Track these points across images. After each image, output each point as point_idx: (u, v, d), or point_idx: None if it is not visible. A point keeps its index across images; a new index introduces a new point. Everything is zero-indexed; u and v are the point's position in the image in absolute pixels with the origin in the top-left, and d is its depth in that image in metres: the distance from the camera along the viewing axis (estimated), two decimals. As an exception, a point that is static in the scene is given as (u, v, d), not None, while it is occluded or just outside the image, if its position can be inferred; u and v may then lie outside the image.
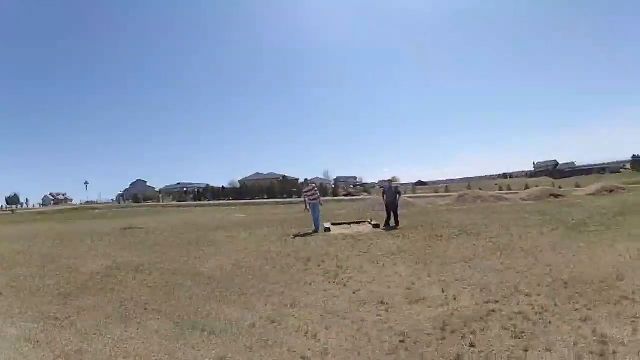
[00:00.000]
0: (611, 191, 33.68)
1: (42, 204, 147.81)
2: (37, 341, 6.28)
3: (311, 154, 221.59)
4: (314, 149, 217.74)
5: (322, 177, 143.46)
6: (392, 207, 18.51)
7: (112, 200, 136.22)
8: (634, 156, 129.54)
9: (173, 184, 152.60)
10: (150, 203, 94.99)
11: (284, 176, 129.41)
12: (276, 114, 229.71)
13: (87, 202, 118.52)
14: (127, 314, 7.41)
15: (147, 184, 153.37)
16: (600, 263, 9.10)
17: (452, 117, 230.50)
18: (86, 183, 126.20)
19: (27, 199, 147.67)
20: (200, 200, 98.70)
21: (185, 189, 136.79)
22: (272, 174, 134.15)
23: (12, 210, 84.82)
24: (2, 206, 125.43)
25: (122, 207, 77.92)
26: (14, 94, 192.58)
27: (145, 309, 7.63)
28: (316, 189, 19.57)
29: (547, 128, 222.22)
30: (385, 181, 20.88)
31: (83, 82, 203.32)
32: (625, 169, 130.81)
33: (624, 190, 34.63)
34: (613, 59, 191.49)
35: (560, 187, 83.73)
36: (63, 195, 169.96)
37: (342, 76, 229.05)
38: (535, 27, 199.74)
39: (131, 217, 43.93)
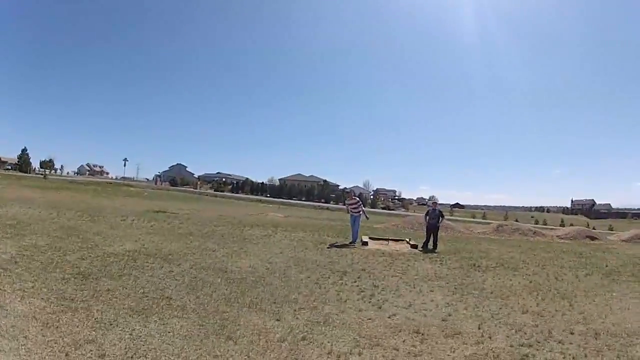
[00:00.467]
0: None
1: (77, 173, 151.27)
2: (47, 323, 5.87)
3: (354, 162, 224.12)
4: (357, 158, 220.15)
5: (362, 186, 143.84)
6: (433, 229, 18.23)
7: (146, 179, 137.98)
8: None
9: (213, 172, 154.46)
10: (187, 188, 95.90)
11: (325, 181, 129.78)
12: (324, 119, 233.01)
13: (123, 178, 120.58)
14: (148, 306, 6.98)
15: (187, 169, 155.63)
16: (630, 316, 8.74)
17: (493, 144, 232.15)
18: (125, 160, 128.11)
19: (62, 166, 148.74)
20: (237, 193, 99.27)
21: (224, 179, 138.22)
22: (313, 176, 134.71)
23: (45, 175, 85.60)
24: (35, 168, 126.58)
25: (158, 189, 78.75)
26: (74, 65, 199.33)
27: (169, 304, 7.18)
28: (360, 202, 19.21)
29: (589, 167, 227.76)
30: (431, 203, 20.38)
31: (139, 65, 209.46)
32: None
33: None
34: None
35: (594, 229, 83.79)
36: (100, 167, 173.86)
37: (387, 94, 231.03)
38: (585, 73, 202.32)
39: (166, 200, 44.31)
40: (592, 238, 31.19)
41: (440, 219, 18.71)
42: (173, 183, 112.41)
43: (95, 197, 38.50)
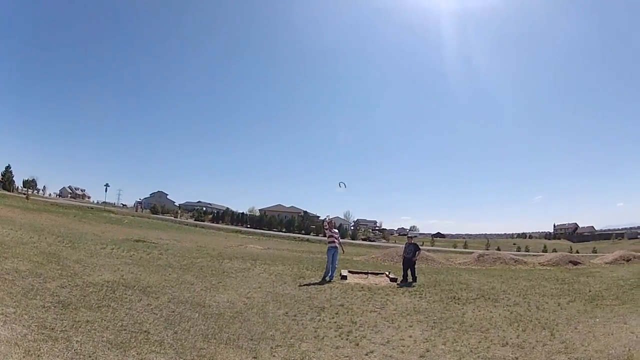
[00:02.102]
0: (628, 260, 33.45)
1: (59, 195, 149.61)
2: (29, 351, 5.90)
3: (334, 193, 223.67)
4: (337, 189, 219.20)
5: (342, 217, 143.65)
6: (409, 264, 18.32)
7: (122, 204, 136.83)
8: None
9: (193, 201, 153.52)
10: (167, 216, 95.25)
11: (305, 212, 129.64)
12: (304, 150, 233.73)
13: (104, 203, 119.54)
14: (126, 340, 7.02)
15: (168, 196, 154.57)
16: (613, 342, 8.76)
17: (475, 171, 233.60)
18: (107, 185, 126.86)
19: (44, 186, 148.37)
20: (218, 223, 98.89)
21: (204, 209, 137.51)
22: (294, 207, 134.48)
23: (27, 195, 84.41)
24: (18, 187, 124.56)
25: (139, 216, 78.16)
26: (62, 84, 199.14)
27: (147, 339, 7.22)
28: (338, 233, 18.85)
29: (570, 191, 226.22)
30: (407, 238, 20.57)
31: (124, 90, 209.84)
32: None
33: None
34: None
35: (577, 252, 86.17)
36: (82, 190, 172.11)
37: (370, 121, 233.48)
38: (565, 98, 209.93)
39: (146, 228, 44.11)
40: (575, 263, 31.37)
41: (416, 252, 18.82)
42: (154, 211, 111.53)
43: (76, 222, 38.17)
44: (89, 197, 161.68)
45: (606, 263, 33.15)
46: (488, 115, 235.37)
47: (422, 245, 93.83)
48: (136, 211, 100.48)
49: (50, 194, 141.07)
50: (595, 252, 78.93)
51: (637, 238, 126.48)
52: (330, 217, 20.49)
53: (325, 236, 19.21)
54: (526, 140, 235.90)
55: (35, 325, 7.02)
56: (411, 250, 18.65)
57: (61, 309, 8.21)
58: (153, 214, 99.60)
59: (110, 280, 11.75)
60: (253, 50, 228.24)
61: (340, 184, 24.24)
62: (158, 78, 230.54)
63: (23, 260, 12.36)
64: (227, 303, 10.73)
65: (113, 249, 19.51)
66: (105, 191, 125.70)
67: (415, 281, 17.76)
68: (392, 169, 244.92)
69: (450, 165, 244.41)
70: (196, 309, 9.64)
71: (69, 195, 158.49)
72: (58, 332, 6.92)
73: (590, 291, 16.48)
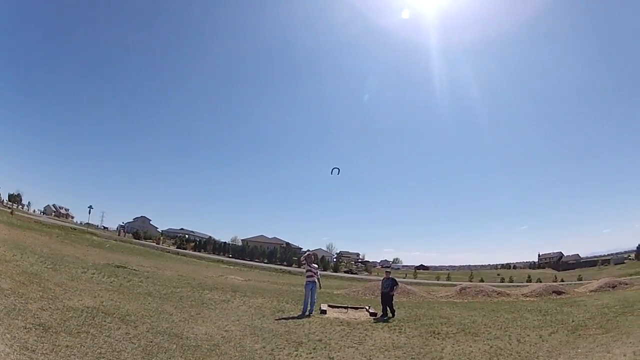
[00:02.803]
0: (614, 287, 33.43)
1: (43, 212, 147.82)
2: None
3: (316, 225, 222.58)
4: (320, 221, 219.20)
5: (325, 249, 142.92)
6: (386, 298, 18.28)
7: (104, 227, 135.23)
8: (639, 246, 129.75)
9: (176, 228, 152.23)
10: (149, 242, 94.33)
11: (287, 243, 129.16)
12: (289, 181, 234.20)
13: (87, 224, 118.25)
14: (104, 369, 7.10)
15: (151, 222, 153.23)
16: None
17: (458, 203, 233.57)
18: (90, 207, 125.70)
19: (29, 202, 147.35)
20: (200, 251, 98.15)
21: (187, 236, 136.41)
22: (276, 238, 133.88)
23: (12, 211, 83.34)
24: (4, 201, 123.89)
25: (121, 240, 77.31)
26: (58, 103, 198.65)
27: (124, 369, 7.30)
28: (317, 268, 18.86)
29: (555, 220, 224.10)
30: (387, 270, 20.60)
31: (111, 114, 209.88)
32: (630, 259, 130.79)
33: (627, 285, 34.29)
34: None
35: (562, 280, 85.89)
36: (66, 210, 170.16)
37: (354, 154, 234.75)
38: (546, 128, 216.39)
39: (127, 254, 43.68)
40: (559, 292, 31.25)
41: (394, 287, 18.78)
42: (136, 236, 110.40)
43: (59, 242, 37.78)
44: (72, 217, 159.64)
45: (591, 291, 32.97)
46: (472, 147, 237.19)
47: (404, 278, 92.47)
48: (119, 235, 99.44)
49: (34, 211, 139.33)
50: (581, 280, 79.04)
51: (624, 263, 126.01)
52: (309, 252, 20.17)
53: (304, 266, 19.16)
54: (510, 170, 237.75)
55: (18, 346, 7.06)
56: (389, 284, 18.62)
57: (42, 332, 8.23)
58: (135, 239, 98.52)
59: (90, 306, 11.71)
60: (240, 84, 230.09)
61: (334, 170, 24.26)
62: (146, 107, 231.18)
63: (5, 279, 12.36)
64: (205, 335, 10.66)
65: (94, 273, 19.40)
66: (89, 213, 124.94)
67: (394, 316, 17.57)
68: (375, 201, 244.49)
69: (433, 197, 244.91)
70: (174, 340, 9.61)
71: (53, 213, 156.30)
72: (39, 354, 6.96)
73: (573, 321, 16.43)
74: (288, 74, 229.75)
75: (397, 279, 19.78)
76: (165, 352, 8.56)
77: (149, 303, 14.28)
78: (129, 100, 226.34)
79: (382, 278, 20.59)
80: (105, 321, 10.27)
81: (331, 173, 25.39)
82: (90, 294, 13.60)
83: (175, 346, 9.15)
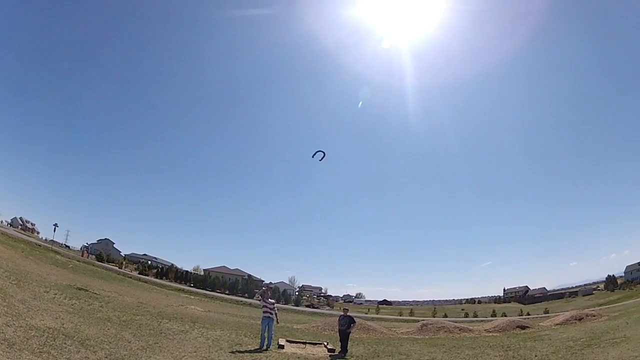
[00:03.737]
0: (581, 319, 32.94)
1: (10, 224, 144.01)
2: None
3: (279, 258, 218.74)
4: (283, 253, 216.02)
5: (287, 282, 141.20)
6: (343, 335, 17.94)
7: (66, 245, 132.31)
8: (608, 277, 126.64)
9: (139, 253, 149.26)
10: (111, 266, 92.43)
11: (249, 275, 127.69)
12: (252, 213, 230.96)
13: (52, 242, 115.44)
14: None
15: (114, 245, 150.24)
16: None
17: (421, 238, 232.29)
18: (55, 225, 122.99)
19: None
20: (162, 279, 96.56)
21: (149, 262, 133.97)
22: (238, 270, 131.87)
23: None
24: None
25: (84, 262, 75.68)
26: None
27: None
28: (274, 303, 18.24)
29: (521, 255, 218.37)
30: (344, 308, 20.53)
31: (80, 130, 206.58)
32: (599, 290, 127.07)
33: (594, 316, 33.69)
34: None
35: (528, 314, 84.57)
36: (32, 224, 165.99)
37: (312, 188, 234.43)
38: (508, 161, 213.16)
39: (89, 276, 42.93)
40: (523, 327, 30.77)
41: (351, 325, 18.27)
42: (99, 258, 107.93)
43: (23, 258, 36.98)
44: (38, 233, 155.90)
45: (556, 324, 32.56)
46: (438, 183, 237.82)
47: (367, 313, 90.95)
48: (82, 256, 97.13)
49: (2, 221, 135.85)
50: (547, 313, 77.42)
51: (592, 294, 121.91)
52: (264, 288, 20.06)
53: (259, 300, 18.78)
54: (476, 206, 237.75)
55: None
56: (346, 322, 18.13)
57: (7, 347, 8.34)
58: (98, 261, 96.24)
59: (51, 326, 11.70)
60: (204, 106, 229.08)
61: (317, 153, 22.87)
62: (119, 130, 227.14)
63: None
64: None
65: (56, 294, 19.21)
66: (54, 231, 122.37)
67: (346, 352, 17.26)
68: (338, 236, 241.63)
69: (396, 232, 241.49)
70: None
71: (20, 226, 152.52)
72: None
73: (536, 356, 16.35)
74: (256, 104, 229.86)
75: (356, 316, 19.80)
76: (122, 380, 8.63)
77: (108, 329, 14.18)
78: (104, 120, 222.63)
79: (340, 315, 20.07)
80: (65, 343, 10.30)
81: (313, 157, 23.32)
82: (52, 315, 13.55)
83: (132, 374, 9.19)
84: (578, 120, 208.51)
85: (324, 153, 24.21)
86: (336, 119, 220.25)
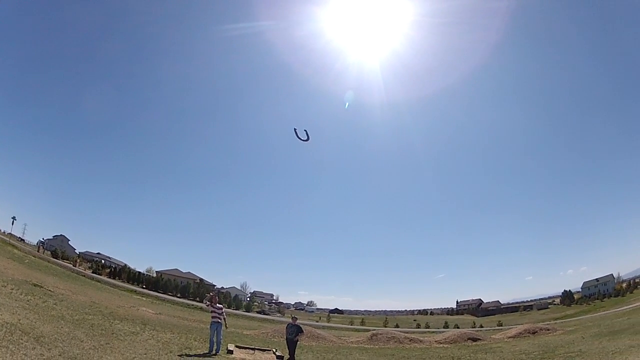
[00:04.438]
0: (534, 332, 32.44)
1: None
2: None
3: (231, 262, 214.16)
4: (235, 258, 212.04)
5: (239, 288, 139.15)
6: (290, 344, 17.63)
7: (21, 239, 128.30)
8: (564, 292, 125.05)
9: (94, 251, 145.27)
10: (66, 263, 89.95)
11: (201, 279, 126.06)
12: (206, 216, 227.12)
13: (10, 235, 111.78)
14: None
15: (70, 242, 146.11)
16: None
17: (374, 249, 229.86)
18: (13, 218, 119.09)
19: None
20: (114, 279, 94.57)
21: (103, 261, 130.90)
22: (190, 273, 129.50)
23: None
24: None
25: (40, 257, 73.57)
26: None
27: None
28: (222, 308, 17.65)
29: (474, 268, 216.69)
30: (293, 317, 20.36)
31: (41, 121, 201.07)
32: (555, 304, 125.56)
33: (548, 330, 33.17)
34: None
35: (481, 326, 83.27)
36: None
37: (268, 193, 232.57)
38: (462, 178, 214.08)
39: (45, 272, 41.86)
40: (474, 339, 29.99)
41: (299, 334, 18.00)
42: (54, 254, 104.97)
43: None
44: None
45: (509, 337, 32.14)
46: (392, 194, 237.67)
47: (318, 321, 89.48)
48: (38, 251, 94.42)
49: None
50: (501, 325, 76.65)
51: (547, 308, 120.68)
52: (212, 294, 19.89)
53: (206, 304, 18.58)
54: (431, 220, 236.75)
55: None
56: (294, 331, 17.74)
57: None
58: (53, 257, 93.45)
59: (8, 322, 11.72)
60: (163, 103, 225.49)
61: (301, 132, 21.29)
62: (78, 127, 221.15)
63: None
64: None
65: (13, 289, 19.00)
66: (12, 224, 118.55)
67: None
68: (291, 243, 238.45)
69: (349, 242, 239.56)
70: None
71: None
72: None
73: None
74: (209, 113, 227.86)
75: (306, 324, 19.61)
76: (74, 378, 8.78)
77: (62, 327, 14.14)
78: (62, 115, 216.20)
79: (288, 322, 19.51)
80: (22, 339, 10.39)
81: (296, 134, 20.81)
82: (9, 310, 13.50)
83: (84, 373, 9.33)
84: (542, 133, 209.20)
85: (307, 136, 21.94)
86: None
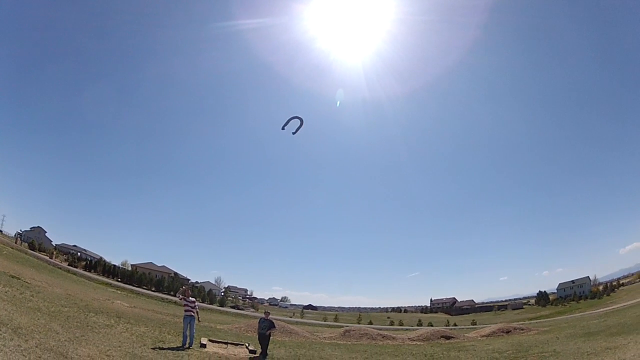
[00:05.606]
0: (508, 332, 31.80)
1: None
2: None
3: (206, 257, 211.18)
4: (210, 253, 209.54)
5: (213, 282, 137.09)
6: (262, 338, 17.02)
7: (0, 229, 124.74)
8: (539, 292, 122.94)
9: (70, 244, 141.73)
10: (42, 255, 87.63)
11: (176, 273, 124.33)
12: (181, 211, 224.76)
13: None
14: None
15: (46, 234, 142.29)
16: None
17: (351, 247, 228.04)
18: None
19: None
20: (90, 271, 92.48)
21: (79, 254, 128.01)
22: (165, 267, 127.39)
23: None
24: None
25: (17, 249, 71.46)
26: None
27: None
28: (195, 302, 17.38)
29: (448, 268, 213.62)
30: (266, 311, 19.76)
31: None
32: (529, 304, 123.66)
33: (522, 330, 32.58)
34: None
35: (455, 324, 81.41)
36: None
37: (247, 191, 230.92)
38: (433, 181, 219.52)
39: (22, 264, 40.57)
40: (448, 337, 29.43)
41: (272, 328, 17.40)
42: (32, 246, 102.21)
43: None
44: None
45: (482, 336, 31.51)
46: (367, 193, 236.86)
47: (292, 317, 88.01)
48: (15, 243, 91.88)
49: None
50: (475, 324, 75.71)
51: (522, 308, 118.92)
52: (185, 287, 19.45)
53: (179, 298, 17.87)
54: (405, 217, 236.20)
55: None
56: (266, 325, 17.16)
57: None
58: (31, 249, 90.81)
59: (-14, 314, 11.31)
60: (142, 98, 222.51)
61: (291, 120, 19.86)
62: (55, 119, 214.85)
63: None
64: (88, 358, 10.43)
65: (-10, 281, 18.41)
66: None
67: (266, 355, 16.68)
68: (267, 239, 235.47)
69: (324, 239, 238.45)
70: (59, 359, 9.46)
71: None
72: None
73: None
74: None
75: (280, 319, 19.25)
76: (51, 369, 8.51)
77: (39, 319, 13.72)
78: (37, 109, 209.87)
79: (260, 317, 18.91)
80: (0, 330, 10.05)
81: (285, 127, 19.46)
82: (-13, 303, 13.07)
83: (60, 365, 9.04)
84: (522, 130, 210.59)
85: (300, 122, 20.18)
86: (279, 131, 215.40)
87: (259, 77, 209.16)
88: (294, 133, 20.32)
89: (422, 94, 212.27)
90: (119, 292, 55.89)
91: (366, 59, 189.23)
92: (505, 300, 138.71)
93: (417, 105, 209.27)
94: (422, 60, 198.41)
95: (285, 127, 20.32)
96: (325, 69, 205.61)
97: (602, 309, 63.47)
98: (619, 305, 61.22)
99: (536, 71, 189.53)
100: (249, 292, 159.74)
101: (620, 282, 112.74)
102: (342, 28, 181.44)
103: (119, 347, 13.10)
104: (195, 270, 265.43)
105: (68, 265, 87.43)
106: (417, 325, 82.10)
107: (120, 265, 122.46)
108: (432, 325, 70.90)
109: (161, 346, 14.98)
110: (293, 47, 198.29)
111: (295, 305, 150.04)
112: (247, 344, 18.76)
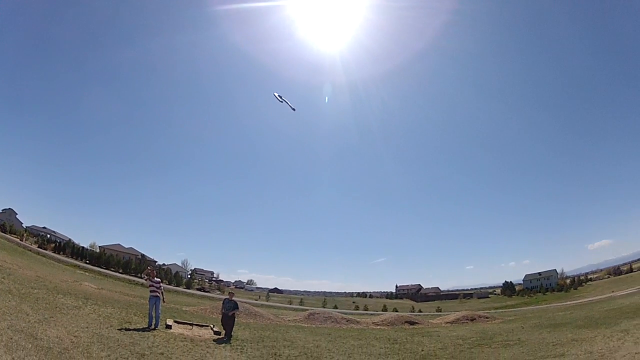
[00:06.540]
0: (473, 319, 31.60)
1: None
2: None
3: (174, 239, 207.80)
4: (177, 235, 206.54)
5: (180, 264, 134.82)
6: (227, 319, 16.66)
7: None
8: (505, 282, 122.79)
9: (39, 225, 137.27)
10: (13, 237, 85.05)
11: (143, 255, 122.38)
12: (148, 193, 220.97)
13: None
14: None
15: (17, 215, 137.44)
16: None
17: (316, 232, 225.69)
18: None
19: None
20: (59, 254, 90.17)
21: (49, 236, 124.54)
22: (132, 249, 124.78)
23: None
24: None
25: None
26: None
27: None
28: (160, 283, 16.98)
29: (415, 255, 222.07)
30: (227, 294, 19.48)
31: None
32: (495, 294, 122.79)
33: (487, 319, 32.48)
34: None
35: (420, 311, 79.98)
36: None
37: (217, 173, 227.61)
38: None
39: (-9, 247, 39.72)
40: (412, 323, 29.08)
41: (235, 309, 17.13)
42: (2, 229, 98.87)
43: None
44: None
45: (447, 322, 31.19)
46: (336, 180, 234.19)
47: (257, 300, 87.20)
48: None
49: None
50: (440, 311, 74.08)
51: (488, 297, 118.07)
52: (150, 268, 19.35)
53: (144, 279, 17.84)
54: (372, 203, 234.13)
55: None
56: (230, 306, 16.83)
57: None
58: (1, 232, 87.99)
59: (-44, 297, 11.17)
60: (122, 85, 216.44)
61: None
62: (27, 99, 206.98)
63: None
64: (56, 339, 10.37)
65: (-40, 263, 18.00)
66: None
67: (231, 337, 16.20)
68: (233, 222, 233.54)
69: (290, 222, 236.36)
70: (30, 340, 9.41)
71: None
72: None
73: (422, 350, 15.73)
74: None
75: (245, 302, 18.97)
76: (22, 350, 8.46)
77: (9, 301, 13.55)
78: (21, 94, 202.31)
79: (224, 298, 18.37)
80: (-31, 314, 9.97)
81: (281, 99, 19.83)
82: (-44, 286, 12.86)
83: (31, 345, 8.99)
84: (494, 115, 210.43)
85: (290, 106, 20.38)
86: (259, 117, 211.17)
87: (234, 61, 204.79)
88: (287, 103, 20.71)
89: (395, 76, 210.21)
90: (87, 274, 54.81)
91: (343, 44, 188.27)
92: (471, 289, 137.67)
93: (392, 86, 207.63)
94: (397, 43, 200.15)
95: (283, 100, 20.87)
96: (304, 57, 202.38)
97: (569, 302, 63.00)
98: (586, 300, 60.46)
99: (504, 54, 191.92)
100: (215, 275, 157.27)
101: (589, 277, 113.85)
102: (321, 16, 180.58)
103: (87, 328, 13.01)
104: (163, 253, 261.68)
105: (38, 247, 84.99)
106: (382, 311, 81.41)
107: (88, 247, 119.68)
108: (397, 311, 70.52)
109: (127, 327, 14.83)
110: (272, 35, 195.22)
111: (261, 288, 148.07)
112: (212, 325, 18.56)
